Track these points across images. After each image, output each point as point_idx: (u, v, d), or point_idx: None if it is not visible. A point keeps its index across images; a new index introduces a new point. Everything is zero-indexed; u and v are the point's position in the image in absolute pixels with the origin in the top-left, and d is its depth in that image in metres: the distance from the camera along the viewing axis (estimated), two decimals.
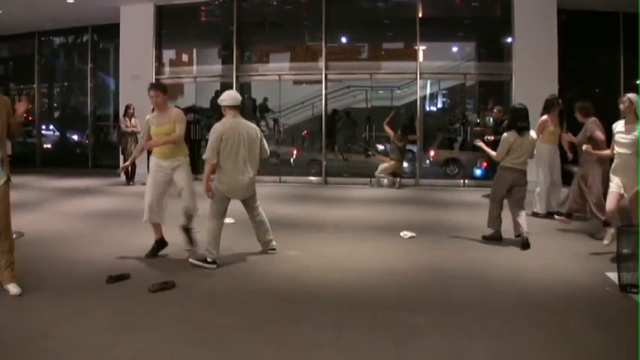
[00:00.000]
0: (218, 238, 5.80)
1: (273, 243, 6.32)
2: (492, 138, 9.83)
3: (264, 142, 6.06)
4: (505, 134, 6.77)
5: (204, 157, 5.83)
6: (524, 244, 6.49)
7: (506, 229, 6.87)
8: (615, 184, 6.02)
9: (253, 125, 6.06)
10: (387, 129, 12.13)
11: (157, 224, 6.03)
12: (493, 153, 6.94)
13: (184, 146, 6.06)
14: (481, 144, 7.29)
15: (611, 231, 6.29)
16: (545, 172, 8.41)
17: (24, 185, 11.44)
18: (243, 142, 5.77)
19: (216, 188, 5.84)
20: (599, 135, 7.02)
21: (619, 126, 6.01)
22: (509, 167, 6.69)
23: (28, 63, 17.22)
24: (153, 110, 6.25)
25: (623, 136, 5.91)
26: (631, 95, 5.95)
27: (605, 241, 6.49)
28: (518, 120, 6.70)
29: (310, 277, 5.49)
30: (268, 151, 6.13)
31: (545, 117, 8.35)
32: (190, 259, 5.79)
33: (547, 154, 8.37)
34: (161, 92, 5.94)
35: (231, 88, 13.76)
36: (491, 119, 11.97)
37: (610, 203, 6.04)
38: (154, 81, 13.84)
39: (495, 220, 6.88)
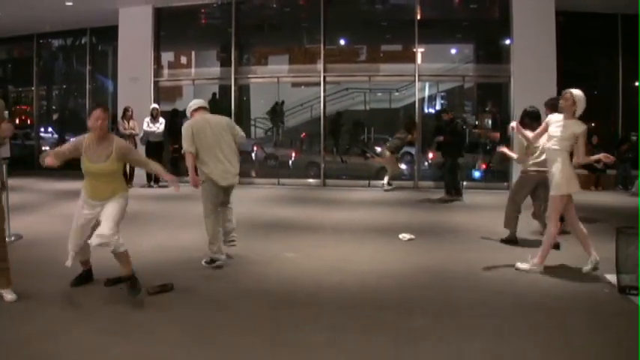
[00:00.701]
0: (217, 233, 5.86)
1: (234, 235, 6.22)
2: (442, 139, 10.80)
3: (237, 128, 6.07)
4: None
5: (183, 150, 5.83)
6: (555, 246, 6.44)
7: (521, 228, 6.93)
8: None
9: (224, 117, 6.12)
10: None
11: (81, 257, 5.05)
12: (515, 156, 6.83)
13: (123, 180, 5.07)
14: (505, 150, 7.02)
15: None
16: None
17: (22, 188, 11.42)
18: (216, 133, 5.79)
19: (203, 184, 5.86)
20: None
21: (555, 118, 5.71)
22: (532, 170, 6.62)
23: (26, 65, 17.24)
24: (87, 130, 4.97)
25: (555, 130, 5.60)
26: (575, 92, 5.58)
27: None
28: (532, 120, 6.69)
29: (309, 278, 5.48)
30: (243, 135, 6.11)
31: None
32: (202, 262, 5.85)
33: None
34: (106, 114, 4.84)
35: (229, 90, 13.83)
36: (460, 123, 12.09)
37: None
38: (152, 82, 13.89)
39: (512, 220, 6.84)
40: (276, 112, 15.87)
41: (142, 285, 4.69)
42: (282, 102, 15.66)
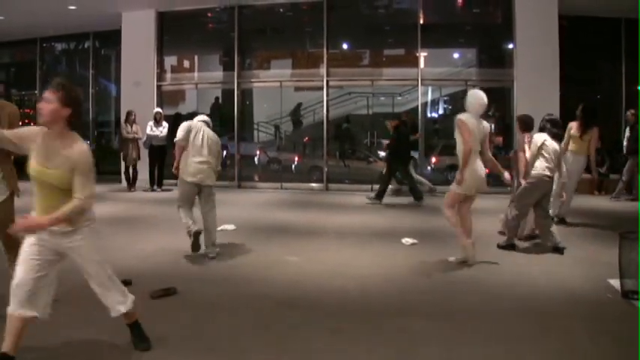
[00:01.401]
0: (187, 212, 6.23)
1: (216, 250, 6.37)
2: (389, 141, 11.16)
3: (219, 156, 6.48)
4: (535, 136, 6.63)
5: (175, 139, 6.32)
6: (559, 250, 6.47)
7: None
8: None
9: (216, 137, 6.48)
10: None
11: (20, 324, 3.38)
12: (523, 169, 6.79)
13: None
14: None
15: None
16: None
17: (26, 192, 11.39)
18: (205, 139, 6.24)
19: (179, 178, 6.31)
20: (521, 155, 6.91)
21: None
22: (544, 178, 6.50)
23: (29, 69, 17.28)
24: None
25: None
26: (470, 91, 6.05)
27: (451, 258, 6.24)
28: (553, 127, 6.65)
29: (311, 283, 5.47)
30: (219, 166, 6.49)
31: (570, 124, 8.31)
32: (209, 255, 6.16)
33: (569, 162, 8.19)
34: (59, 97, 3.38)
35: (232, 94, 13.85)
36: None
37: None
38: (155, 86, 13.89)
39: (514, 227, 6.80)
40: (298, 113, 15.91)
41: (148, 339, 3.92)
42: (300, 104, 15.71)
